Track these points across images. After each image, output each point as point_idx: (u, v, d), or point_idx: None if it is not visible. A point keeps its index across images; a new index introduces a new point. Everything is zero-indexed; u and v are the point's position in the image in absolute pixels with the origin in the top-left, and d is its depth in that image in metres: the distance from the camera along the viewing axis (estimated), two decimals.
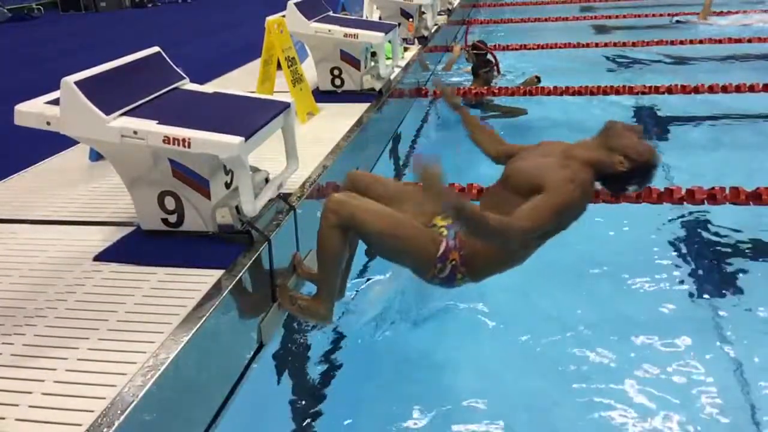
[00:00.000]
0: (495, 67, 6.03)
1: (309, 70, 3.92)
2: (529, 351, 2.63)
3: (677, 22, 8.69)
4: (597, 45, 7.21)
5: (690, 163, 4.15)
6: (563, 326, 2.71)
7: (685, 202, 3.26)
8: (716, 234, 3.43)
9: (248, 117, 2.09)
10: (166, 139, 1.87)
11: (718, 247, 3.33)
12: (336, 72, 3.95)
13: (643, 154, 2.05)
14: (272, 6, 4.20)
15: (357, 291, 2.93)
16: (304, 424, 2.36)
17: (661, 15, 8.99)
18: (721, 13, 8.93)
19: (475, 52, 6.06)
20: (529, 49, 7.05)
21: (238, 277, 1.89)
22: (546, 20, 9.51)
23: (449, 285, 2.15)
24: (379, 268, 3.04)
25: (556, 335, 2.67)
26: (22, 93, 2.31)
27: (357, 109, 3.68)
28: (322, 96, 3.91)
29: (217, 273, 1.90)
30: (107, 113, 1.88)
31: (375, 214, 2.05)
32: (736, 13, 8.93)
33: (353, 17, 4.81)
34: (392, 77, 4.37)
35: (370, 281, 3.02)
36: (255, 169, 2.19)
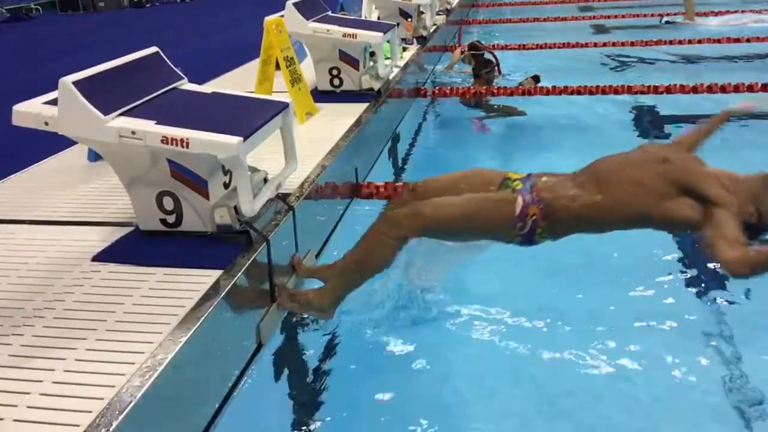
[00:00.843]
0: (496, 67, 6.01)
1: (308, 70, 3.92)
2: (529, 351, 2.62)
3: (666, 22, 8.69)
4: (596, 45, 7.21)
5: None
6: (563, 326, 2.71)
7: None
8: None
9: (247, 117, 2.09)
10: (165, 140, 1.87)
11: None
12: (335, 72, 3.95)
13: None
14: (270, 6, 4.19)
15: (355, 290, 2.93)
16: (303, 424, 2.36)
17: (659, 15, 9.00)
18: (719, 13, 8.93)
19: (472, 52, 6.05)
20: (528, 48, 7.06)
21: (236, 278, 1.89)
22: (545, 20, 9.52)
23: (529, 242, 2.12)
24: None
25: (557, 336, 2.67)
26: (21, 93, 2.30)
27: (356, 109, 3.68)
28: (320, 96, 3.90)
29: (216, 273, 1.90)
30: (105, 113, 1.88)
31: (445, 208, 2.06)
32: (729, 13, 8.90)
33: (352, 17, 4.81)
34: (391, 77, 4.36)
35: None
36: (253, 169, 2.18)
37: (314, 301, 2.14)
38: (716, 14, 8.89)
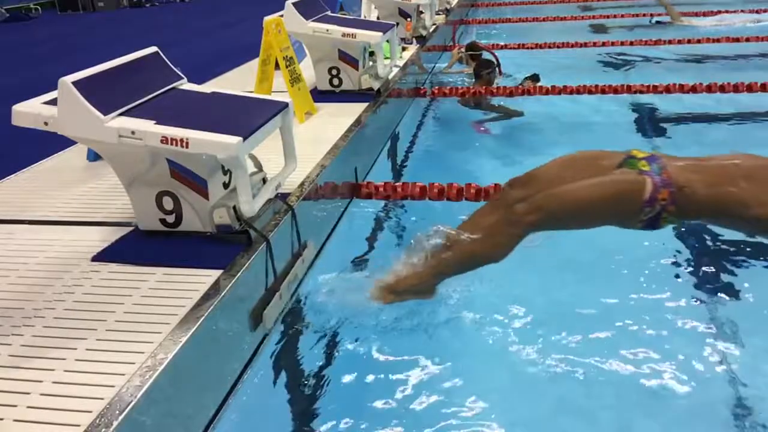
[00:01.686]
0: (497, 68, 6.00)
1: (307, 69, 3.92)
2: (531, 352, 2.62)
3: (657, 22, 8.70)
4: (595, 44, 7.22)
5: None
6: (564, 326, 2.70)
7: None
8: (718, 233, 3.43)
9: (246, 117, 2.09)
10: (164, 140, 1.87)
11: (723, 245, 3.32)
12: (334, 72, 3.95)
13: None
14: (270, 6, 4.20)
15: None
16: (303, 425, 2.36)
17: (659, 14, 9.01)
18: (716, 13, 8.92)
19: (470, 53, 6.05)
20: (528, 48, 7.06)
21: (236, 278, 1.89)
22: (545, 20, 9.53)
23: (652, 227, 2.02)
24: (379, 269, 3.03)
25: (558, 336, 2.67)
26: (20, 93, 2.31)
27: (355, 109, 3.68)
28: (320, 96, 3.90)
29: (216, 273, 1.90)
30: (105, 113, 1.88)
31: (568, 197, 2.01)
32: (725, 12, 8.90)
33: (351, 17, 4.82)
34: (390, 77, 4.37)
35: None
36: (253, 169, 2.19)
37: (416, 285, 2.19)
38: (714, 14, 8.89)
